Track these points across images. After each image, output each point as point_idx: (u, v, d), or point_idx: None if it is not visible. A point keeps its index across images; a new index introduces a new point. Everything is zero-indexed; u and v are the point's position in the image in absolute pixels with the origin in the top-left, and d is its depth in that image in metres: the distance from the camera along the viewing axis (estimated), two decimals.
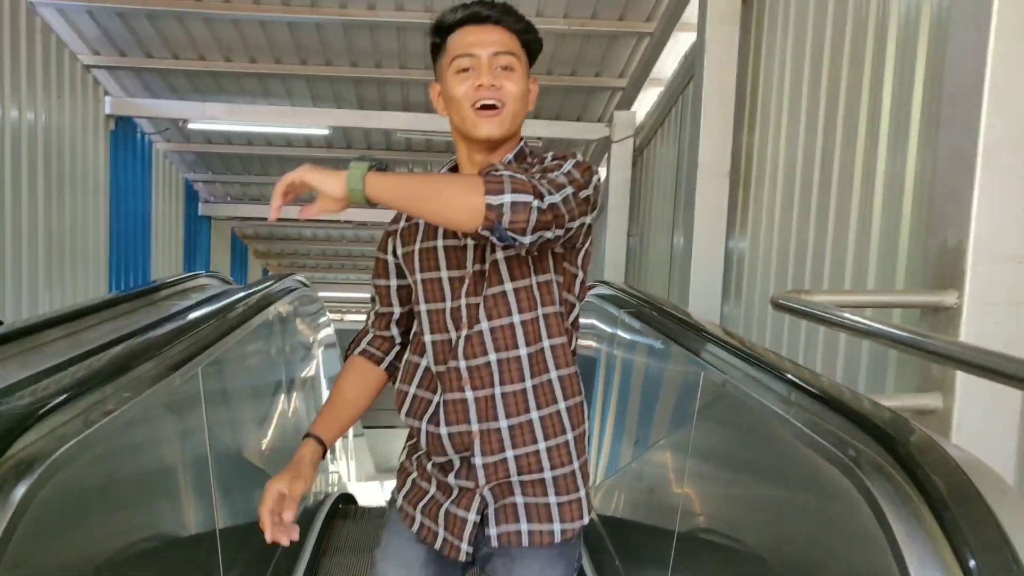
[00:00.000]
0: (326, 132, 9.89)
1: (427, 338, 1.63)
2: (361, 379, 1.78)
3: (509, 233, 1.35)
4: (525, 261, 1.57)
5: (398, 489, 1.74)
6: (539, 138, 8.99)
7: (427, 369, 1.64)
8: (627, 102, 8.07)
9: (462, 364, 1.57)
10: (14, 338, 1.83)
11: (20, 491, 1.10)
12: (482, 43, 1.56)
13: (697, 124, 5.06)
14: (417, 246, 1.64)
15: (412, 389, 1.66)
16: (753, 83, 4.78)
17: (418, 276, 1.64)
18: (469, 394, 1.58)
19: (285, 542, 1.52)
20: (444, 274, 1.60)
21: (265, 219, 13.52)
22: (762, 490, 1.72)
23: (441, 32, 1.61)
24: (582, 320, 4.26)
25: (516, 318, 1.57)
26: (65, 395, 1.36)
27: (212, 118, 8.64)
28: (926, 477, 1.11)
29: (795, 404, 1.58)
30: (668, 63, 7.01)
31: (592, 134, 8.75)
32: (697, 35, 5.33)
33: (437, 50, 1.63)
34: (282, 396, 3.30)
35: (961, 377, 2.20)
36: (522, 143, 1.67)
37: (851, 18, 3.55)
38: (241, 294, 2.80)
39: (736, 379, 1.90)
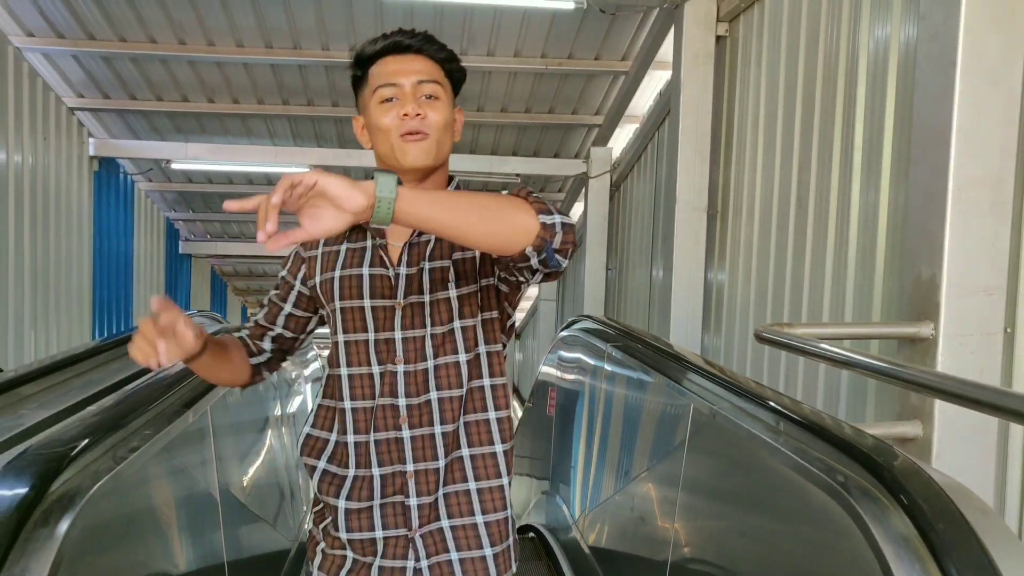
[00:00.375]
0: (307, 171, 9.95)
1: (343, 371, 1.52)
2: (238, 349, 1.61)
3: (557, 255, 1.29)
4: (475, 298, 1.52)
5: (310, 561, 1.62)
6: (518, 174, 9.12)
7: (353, 410, 1.51)
8: (604, 139, 8.24)
9: (401, 402, 1.49)
10: (37, 376, 1.88)
11: (64, 525, 1.16)
12: (404, 72, 1.49)
13: (674, 160, 5.17)
14: (338, 273, 1.53)
15: (333, 436, 1.54)
16: (728, 120, 4.90)
17: (337, 304, 1.52)
18: (406, 433, 1.49)
19: (157, 363, 1.27)
20: (367, 303, 1.50)
21: (245, 256, 13.54)
22: (755, 515, 1.77)
23: (362, 64, 1.54)
24: (567, 354, 4.31)
25: (462, 356, 1.50)
26: (94, 434, 1.42)
27: (195, 158, 8.70)
28: (912, 500, 1.18)
29: (783, 433, 1.63)
30: (643, 100, 7.19)
31: (570, 170, 8.92)
32: (672, 73, 5.45)
33: (359, 83, 1.56)
34: (272, 430, 3.35)
35: (939, 405, 2.30)
36: (456, 180, 1.61)
37: (822, 58, 3.67)
38: None
39: (725, 410, 1.96)
